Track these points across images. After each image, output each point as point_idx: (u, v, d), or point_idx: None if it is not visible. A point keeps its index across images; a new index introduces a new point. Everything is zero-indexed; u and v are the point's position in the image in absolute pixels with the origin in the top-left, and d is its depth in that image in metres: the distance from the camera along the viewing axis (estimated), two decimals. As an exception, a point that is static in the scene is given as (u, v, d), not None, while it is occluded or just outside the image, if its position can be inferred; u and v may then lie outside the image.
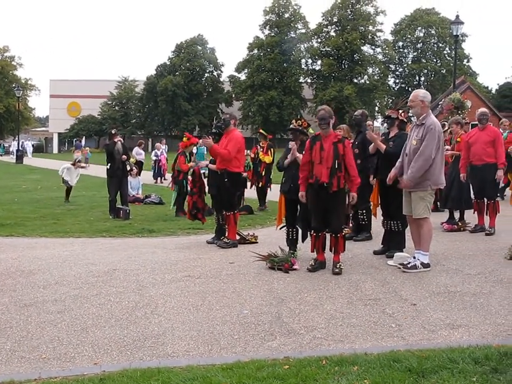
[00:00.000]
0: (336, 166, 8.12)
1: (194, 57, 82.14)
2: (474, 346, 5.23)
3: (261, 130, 17.69)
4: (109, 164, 15.25)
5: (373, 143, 9.34)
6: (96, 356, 5.30)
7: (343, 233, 8.31)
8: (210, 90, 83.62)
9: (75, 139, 65.03)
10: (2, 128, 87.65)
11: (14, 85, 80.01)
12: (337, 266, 8.15)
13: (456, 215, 12.07)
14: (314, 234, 8.47)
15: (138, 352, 5.37)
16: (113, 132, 15.67)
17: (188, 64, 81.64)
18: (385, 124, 9.80)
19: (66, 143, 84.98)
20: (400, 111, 9.36)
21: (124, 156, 15.25)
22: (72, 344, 5.59)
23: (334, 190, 8.15)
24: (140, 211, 16.18)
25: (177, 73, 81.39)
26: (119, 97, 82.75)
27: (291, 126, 9.36)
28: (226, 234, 10.42)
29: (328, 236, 8.43)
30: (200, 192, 11.51)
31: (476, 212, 11.50)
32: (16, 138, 62.72)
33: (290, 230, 9.21)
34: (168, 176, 23.73)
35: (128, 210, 14.77)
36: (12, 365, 5.17)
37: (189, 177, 12.86)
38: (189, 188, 12.70)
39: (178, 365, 5.09)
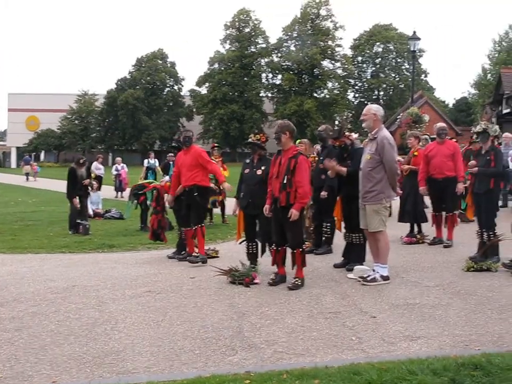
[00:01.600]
0: (285, 181, 8.13)
1: (155, 71, 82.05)
2: (432, 357, 5.29)
3: (215, 145, 17.72)
4: (68, 187, 15.17)
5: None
6: (55, 374, 5.21)
7: (300, 249, 8.21)
8: (171, 104, 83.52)
9: (25, 154, 64.09)
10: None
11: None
12: (292, 282, 8.15)
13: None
14: (274, 248, 8.50)
15: (98, 369, 5.31)
16: (81, 161, 15.51)
17: (148, 78, 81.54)
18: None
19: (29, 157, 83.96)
20: (347, 134, 9.49)
21: (86, 181, 15.17)
22: (30, 362, 5.49)
23: (281, 205, 8.17)
24: (100, 226, 16.04)
25: (137, 87, 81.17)
26: (79, 111, 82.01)
27: (249, 140, 9.35)
28: (187, 250, 10.39)
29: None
30: (163, 210, 11.47)
31: (434, 225, 11.67)
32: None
33: (250, 244, 9.20)
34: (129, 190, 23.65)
35: (87, 225, 14.63)
36: (-32, 384, 5.07)
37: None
38: (151, 207, 12.60)
39: (138, 382, 5.02)
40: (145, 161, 25.15)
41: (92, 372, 5.24)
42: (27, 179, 45.83)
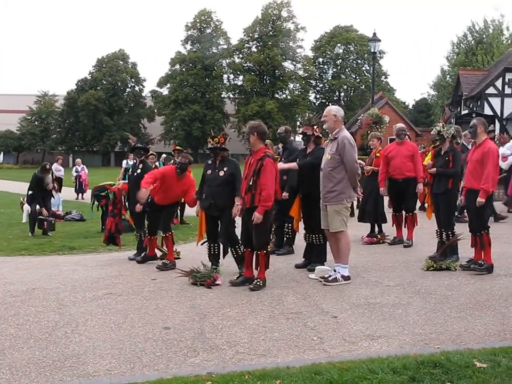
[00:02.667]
0: (251, 183, 8.15)
1: (116, 71, 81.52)
2: (393, 356, 5.36)
3: (176, 147, 17.62)
4: (31, 192, 15.04)
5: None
6: (14, 379, 5.14)
7: (264, 251, 8.20)
8: (132, 105, 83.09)
9: None
10: None
11: None
12: (253, 283, 8.16)
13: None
14: (244, 249, 8.52)
15: (58, 372, 5.25)
16: (47, 167, 15.38)
17: (109, 78, 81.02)
18: (302, 140, 9.89)
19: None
20: (315, 127, 9.52)
21: (50, 185, 15.06)
22: (-11, 366, 5.42)
23: (246, 207, 8.21)
24: (61, 228, 15.86)
25: (98, 87, 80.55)
26: (39, 112, 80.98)
27: (210, 145, 9.26)
28: (147, 252, 10.36)
29: None
30: (120, 213, 11.35)
31: (394, 225, 11.79)
32: None
33: (212, 245, 9.17)
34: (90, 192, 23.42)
35: (53, 221, 14.49)
36: None
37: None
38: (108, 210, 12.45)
39: (99, 385, 5.00)
40: (124, 162, 24.78)
41: (52, 376, 5.19)
42: None
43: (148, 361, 5.50)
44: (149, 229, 10.39)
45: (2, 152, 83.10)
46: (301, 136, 9.85)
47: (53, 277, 9.20)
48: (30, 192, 15.09)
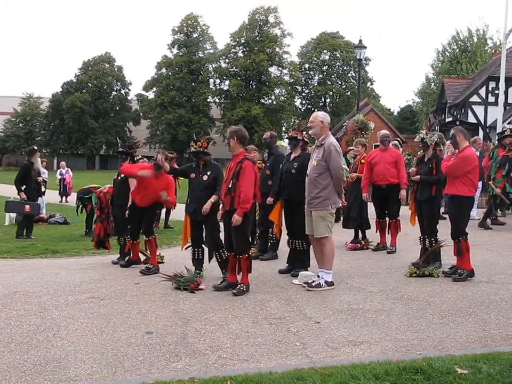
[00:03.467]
0: (230, 186, 8.20)
1: (102, 75, 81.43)
2: (375, 362, 5.37)
3: (164, 152, 17.53)
4: (24, 186, 14.77)
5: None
6: (-6, 383, 5.11)
7: (246, 255, 8.20)
8: (117, 108, 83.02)
9: None
10: None
11: None
12: (237, 288, 8.16)
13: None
14: (228, 254, 8.52)
15: (39, 377, 5.21)
16: (35, 147, 15.27)
17: (95, 81, 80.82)
18: (289, 145, 9.92)
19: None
20: (304, 133, 9.56)
21: (40, 177, 14.92)
22: (-31, 370, 5.38)
23: (226, 209, 8.25)
24: (44, 231, 15.79)
25: (84, 90, 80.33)
26: (23, 114, 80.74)
27: (192, 149, 9.26)
28: (131, 256, 10.34)
29: None
30: (108, 217, 11.27)
31: (378, 231, 11.83)
32: None
33: (196, 250, 9.16)
34: (74, 195, 23.28)
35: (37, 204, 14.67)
36: None
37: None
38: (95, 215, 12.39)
39: (80, 389, 4.98)
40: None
41: (33, 380, 5.15)
42: None
43: (130, 365, 5.48)
44: (131, 233, 10.36)
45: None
46: (289, 140, 9.88)
47: (35, 280, 9.14)
48: (24, 186, 14.80)
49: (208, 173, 8.93)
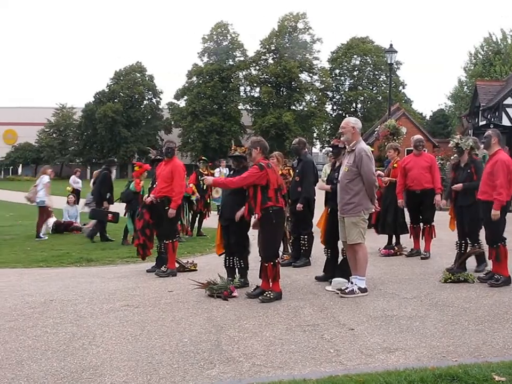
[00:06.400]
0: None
1: (133, 84, 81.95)
2: (410, 369, 5.32)
3: (202, 158, 17.63)
4: (108, 194, 15.64)
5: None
6: (32, 390, 5.18)
7: (271, 263, 8.16)
8: (149, 117, 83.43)
9: None
10: None
11: None
12: (264, 295, 8.16)
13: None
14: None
15: (75, 384, 5.28)
16: (114, 159, 15.81)
17: (127, 91, 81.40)
18: (331, 153, 9.91)
19: (2, 171, 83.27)
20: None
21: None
22: (7, 378, 5.43)
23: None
24: (78, 240, 15.96)
25: (116, 100, 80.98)
26: (57, 125, 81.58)
27: (236, 153, 9.31)
28: (167, 264, 10.37)
29: None
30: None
31: (412, 236, 11.73)
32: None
33: (227, 257, 9.20)
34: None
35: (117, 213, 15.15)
36: None
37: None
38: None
39: (116, 397, 5.02)
40: (217, 170, 24.45)
41: (69, 387, 5.21)
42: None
43: (164, 373, 5.50)
44: (159, 236, 10.49)
45: (21, 165, 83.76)
46: (331, 148, 9.85)
47: (70, 289, 9.24)
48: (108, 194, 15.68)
49: None
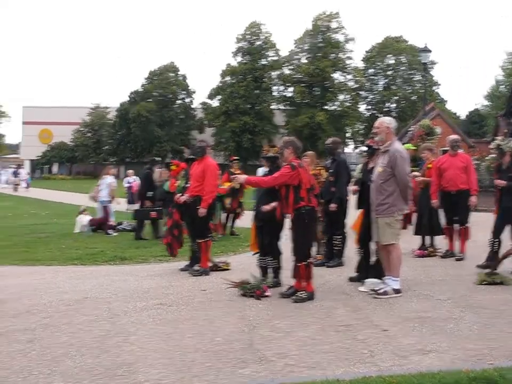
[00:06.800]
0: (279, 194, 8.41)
1: (167, 84, 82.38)
2: (444, 371, 5.26)
3: (235, 157, 17.63)
4: (151, 192, 15.82)
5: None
6: (67, 386, 5.24)
7: (303, 263, 8.14)
8: (182, 117, 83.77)
9: (14, 166, 64.03)
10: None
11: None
12: (296, 295, 8.14)
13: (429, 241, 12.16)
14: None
15: (110, 381, 5.31)
16: (156, 158, 16.02)
17: (160, 90, 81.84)
18: (365, 153, 9.86)
19: (42, 170, 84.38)
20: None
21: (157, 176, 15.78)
22: (43, 374, 5.51)
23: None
24: (112, 238, 16.11)
25: (150, 99, 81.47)
26: (91, 124, 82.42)
27: (269, 154, 9.33)
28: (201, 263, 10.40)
29: None
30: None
31: (446, 237, 11.62)
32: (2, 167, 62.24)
33: (261, 257, 9.20)
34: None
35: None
36: (-20, 396, 5.10)
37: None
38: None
39: (150, 394, 5.05)
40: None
41: (104, 384, 5.26)
42: (15, 189, 47.32)
43: (198, 371, 5.52)
44: (189, 235, 10.54)
45: (56, 163, 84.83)
46: (366, 149, 9.81)
47: (104, 287, 9.34)
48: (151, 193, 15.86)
49: None
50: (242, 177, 8.92)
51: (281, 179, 8.21)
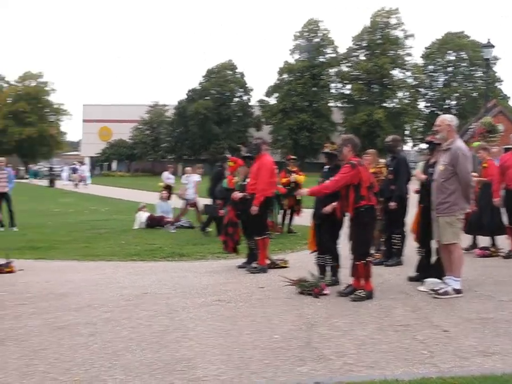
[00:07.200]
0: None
1: (225, 81, 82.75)
2: (508, 374, 5.15)
3: (291, 157, 17.58)
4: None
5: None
6: (128, 379, 5.30)
7: (362, 261, 8.09)
8: (240, 114, 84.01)
9: (72, 162, 65.22)
10: (35, 152, 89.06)
11: (47, 110, 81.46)
12: (355, 293, 8.10)
13: (483, 241, 11.93)
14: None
15: (169, 376, 5.37)
16: (227, 155, 16.21)
17: (218, 88, 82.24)
18: (426, 150, 9.73)
19: (101, 167, 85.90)
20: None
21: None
22: (104, 367, 5.61)
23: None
24: (171, 235, 16.26)
25: (207, 97, 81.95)
26: (150, 122, 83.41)
27: (327, 150, 9.30)
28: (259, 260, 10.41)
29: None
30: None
31: (509, 238, 11.36)
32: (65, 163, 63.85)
33: (319, 255, 9.17)
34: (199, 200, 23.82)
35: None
36: (44, 388, 5.21)
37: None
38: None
39: (209, 390, 5.09)
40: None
41: (163, 378, 5.31)
42: (76, 186, 48.30)
43: (256, 368, 5.53)
44: (244, 233, 10.61)
45: (115, 161, 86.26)
46: (427, 145, 9.70)
47: (163, 283, 9.44)
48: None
49: (330, 178, 8.96)
50: (304, 191, 8.86)
51: (342, 181, 8.16)
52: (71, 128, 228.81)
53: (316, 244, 9.21)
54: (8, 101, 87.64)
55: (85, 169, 56.31)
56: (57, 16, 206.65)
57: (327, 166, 9.28)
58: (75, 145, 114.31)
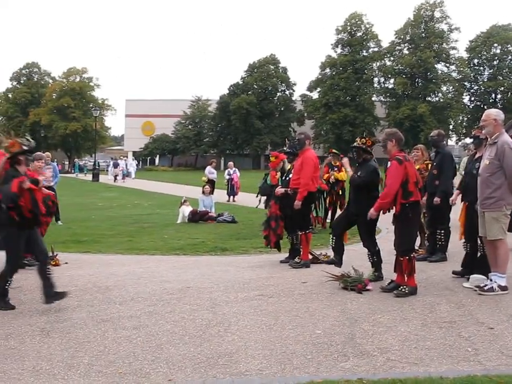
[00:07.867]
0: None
1: (267, 76, 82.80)
2: (555, 373, 5.07)
3: (333, 150, 17.53)
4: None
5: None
6: (171, 373, 5.36)
7: (407, 257, 8.00)
8: (282, 109, 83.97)
9: (112, 157, 65.78)
10: (80, 147, 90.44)
11: (91, 105, 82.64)
12: (398, 289, 8.01)
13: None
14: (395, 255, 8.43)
15: (211, 369, 5.41)
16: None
17: (260, 83, 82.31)
18: (472, 145, 9.59)
19: (141, 162, 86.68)
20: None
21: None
22: (147, 360, 5.68)
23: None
24: (213, 229, 16.33)
25: (249, 92, 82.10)
26: (193, 117, 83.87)
27: (355, 144, 9.26)
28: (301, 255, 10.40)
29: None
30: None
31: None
32: (112, 158, 64.81)
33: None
34: (242, 194, 23.96)
35: None
36: (89, 379, 5.28)
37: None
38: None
39: (251, 384, 5.11)
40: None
41: (206, 372, 5.35)
42: (115, 180, 48.98)
43: (298, 363, 5.54)
44: (287, 228, 10.63)
45: (158, 155, 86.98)
46: (472, 139, 9.56)
47: (206, 277, 9.49)
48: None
49: (359, 173, 8.92)
50: (373, 214, 8.46)
51: (397, 180, 8.03)
52: (115, 123, 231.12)
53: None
54: (53, 97, 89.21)
55: (130, 164, 56.91)
56: (103, 14, 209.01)
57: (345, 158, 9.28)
58: (119, 140, 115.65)
